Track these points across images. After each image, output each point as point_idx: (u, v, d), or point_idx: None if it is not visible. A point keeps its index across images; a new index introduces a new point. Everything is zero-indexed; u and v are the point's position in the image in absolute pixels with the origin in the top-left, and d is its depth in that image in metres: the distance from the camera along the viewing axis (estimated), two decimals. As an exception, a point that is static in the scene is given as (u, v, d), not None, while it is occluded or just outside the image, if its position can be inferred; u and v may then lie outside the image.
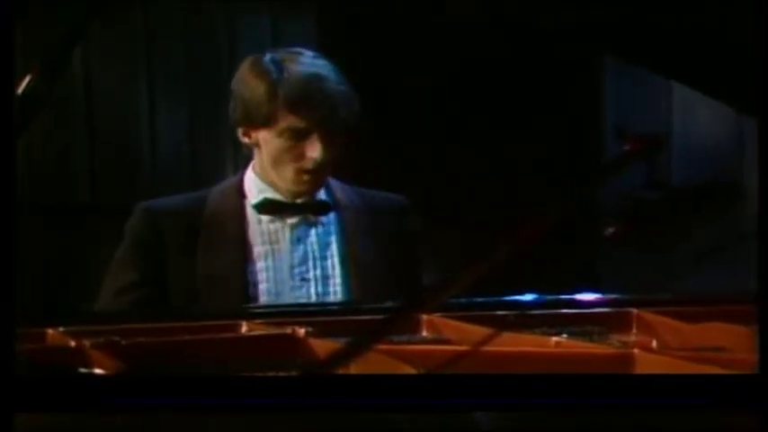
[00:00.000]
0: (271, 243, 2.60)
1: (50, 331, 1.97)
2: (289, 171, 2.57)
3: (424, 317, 2.09)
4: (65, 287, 4.12)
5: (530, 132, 4.41)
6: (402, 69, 4.32)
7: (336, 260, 2.62)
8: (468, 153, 4.38)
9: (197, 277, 2.53)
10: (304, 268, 2.60)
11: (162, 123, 4.39)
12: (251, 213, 2.63)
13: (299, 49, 2.62)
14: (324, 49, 2.67)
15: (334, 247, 2.63)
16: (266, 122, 2.54)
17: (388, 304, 2.18)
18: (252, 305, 2.51)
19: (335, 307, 2.37)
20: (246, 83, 2.57)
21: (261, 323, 2.09)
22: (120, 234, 2.64)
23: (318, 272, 2.60)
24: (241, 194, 2.66)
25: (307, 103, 2.50)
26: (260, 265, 2.57)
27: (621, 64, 4.33)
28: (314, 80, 2.52)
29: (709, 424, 1.41)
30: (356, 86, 2.60)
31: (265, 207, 2.62)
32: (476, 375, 1.56)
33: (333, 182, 2.71)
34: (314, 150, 2.53)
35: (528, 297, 2.27)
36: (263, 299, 2.56)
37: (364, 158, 2.79)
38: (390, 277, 2.61)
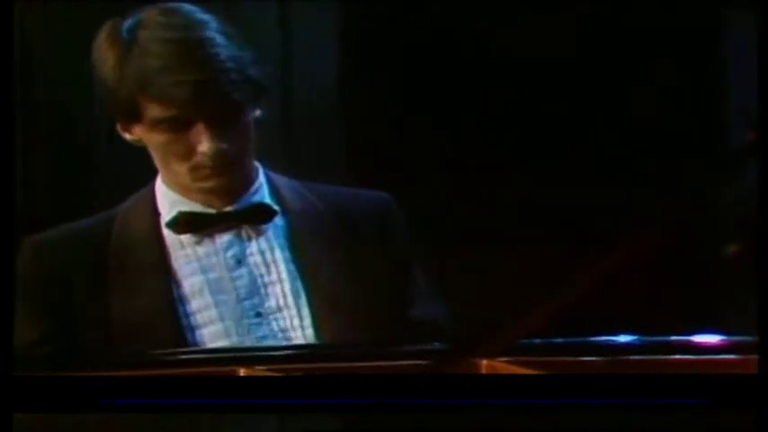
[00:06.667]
0: (203, 271, 2.07)
1: None
2: (182, 171, 2.04)
3: (483, 362, 1.79)
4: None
5: (627, 118, 3.83)
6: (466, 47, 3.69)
7: (287, 286, 2.08)
8: (552, 148, 3.76)
9: (110, 324, 2.03)
10: (257, 300, 2.07)
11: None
12: (170, 235, 2.09)
13: (175, 5, 2.05)
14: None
15: (282, 268, 2.09)
16: (131, 114, 2.02)
17: (404, 348, 1.84)
18: (179, 350, 2.00)
19: (309, 350, 1.99)
20: (97, 56, 2.03)
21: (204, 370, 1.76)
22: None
23: (273, 302, 2.07)
24: (155, 211, 2.11)
25: (167, 87, 1.97)
26: (197, 303, 2.06)
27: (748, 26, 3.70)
28: (172, 50, 1.97)
29: (710, 424, 1.41)
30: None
31: (182, 224, 2.08)
32: (474, 375, 1.56)
33: (278, 178, 2.15)
34: (202, 143, 2.01)
35: (624, 338, 1.89)
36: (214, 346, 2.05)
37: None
38: (367, 300, 2.08)
